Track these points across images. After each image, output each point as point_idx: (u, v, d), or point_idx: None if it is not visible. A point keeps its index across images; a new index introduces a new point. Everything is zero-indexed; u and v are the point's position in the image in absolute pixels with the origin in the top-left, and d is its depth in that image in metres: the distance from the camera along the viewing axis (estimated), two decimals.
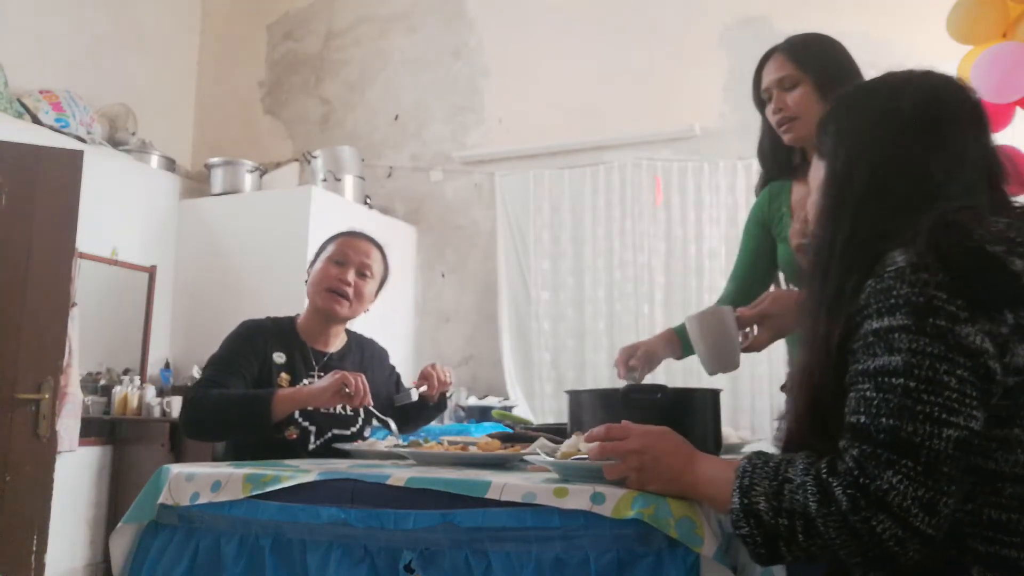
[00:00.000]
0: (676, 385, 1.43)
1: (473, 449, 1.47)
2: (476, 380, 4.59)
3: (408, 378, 2.32)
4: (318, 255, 2.07)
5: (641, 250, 4.28)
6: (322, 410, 1.91)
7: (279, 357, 1.95)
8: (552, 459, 1.18)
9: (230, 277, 4.34)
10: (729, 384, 3.76)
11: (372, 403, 1.80)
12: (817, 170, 1.09)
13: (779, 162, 1.85)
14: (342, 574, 1.12)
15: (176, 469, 1.33)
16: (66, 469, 3.50)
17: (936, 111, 1.00)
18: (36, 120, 3.94)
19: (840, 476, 0.87)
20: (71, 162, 3.36)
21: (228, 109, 5.40)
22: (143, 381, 4.26)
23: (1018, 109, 2.86)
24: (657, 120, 4.35)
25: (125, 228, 4.32)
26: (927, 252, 0.89)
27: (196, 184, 4.86)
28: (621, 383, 1.65)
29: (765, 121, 1.81)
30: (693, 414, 1.35)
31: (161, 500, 1.30)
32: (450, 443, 1.54)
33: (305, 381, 1.95)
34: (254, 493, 1.22)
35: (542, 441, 1.44)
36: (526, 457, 1.39)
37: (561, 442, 1.30)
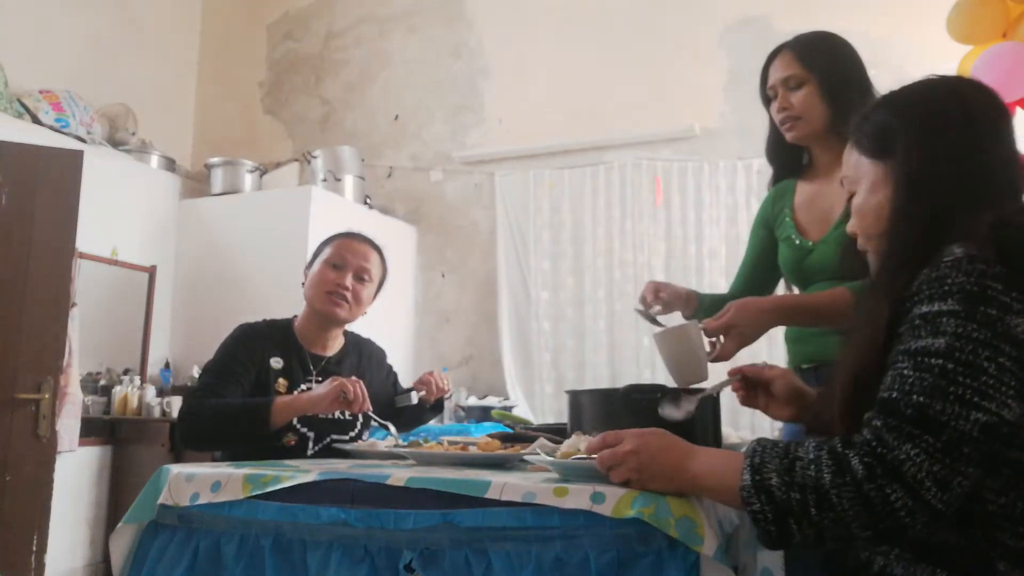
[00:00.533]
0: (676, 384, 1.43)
1: (473, 449, 1.47)
2: (476, 380, 4.59)
3: (406, 379, 2.32)
4: (315, 257, 2.05)
5: (641, 250, 4.28)
6: (320, 415, 1.89)
7: (276, 362, 1.93)
8: (552, 459, 1.18)
9: (230, 277, 4.34)
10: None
11: (372, 409, 1.80)
12: (859, 168, 1.10)
13: (786, 161, 1.85)
14: (342, 574, 1.12)
15: (176, 469, 1.33)
16: (66, 469, 3.50)
17: (995, 114, 1.05)
18: (36, 120, 3.94)
19: (856, 447, 0.88)
20: (71, 162, 3.36)
21: (228, 109, 5.40)
22: (143, 381, 4.26)
23: (1018, 109, 2.86)
24: (657, 120, 4.35)
25: (125, 228, 4.32)
26: (986, 246, 0.91)
27: (196, 184, 4.86)
28: (621, 383, 1.65)
29: (772, 119, 1.81)
30: None
31: (161, 500, 1.30)
32: (450, 443, 1.54)
33: (303, 386, 1.93)
34: (254, 493, 1.22)
35: (542, 441, 1.44)
36: (526, 457, 1.39)
37: (561, 442, 1.30)
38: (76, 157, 3.38)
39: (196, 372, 4.17)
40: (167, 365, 4.42)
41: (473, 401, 4.31)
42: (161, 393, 4.22)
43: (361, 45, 5.20)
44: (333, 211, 4.29)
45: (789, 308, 1.60)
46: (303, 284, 2.04)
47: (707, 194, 4.21)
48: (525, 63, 4.73)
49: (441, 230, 4.84)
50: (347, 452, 1.76)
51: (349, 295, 1.97)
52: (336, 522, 1.14)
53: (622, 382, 1.72)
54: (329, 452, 1.89)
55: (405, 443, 1.68)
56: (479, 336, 4.65)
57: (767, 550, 1.36)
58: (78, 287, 3.63)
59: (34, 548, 3.11)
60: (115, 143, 4.45)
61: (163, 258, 4.51)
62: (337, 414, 1.94)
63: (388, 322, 4.01)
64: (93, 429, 3.96)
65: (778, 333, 1.80)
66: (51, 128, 3.96)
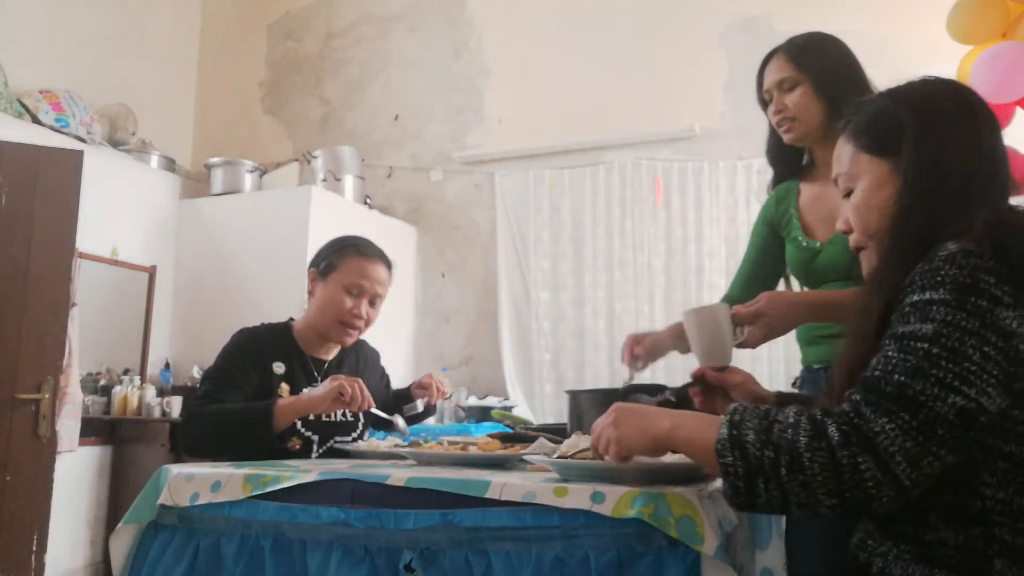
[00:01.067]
0: (676, 383, 1.43)
1: (473, 449, 1.47)
2: (476, 380, 4.59)
3: (406, 379, 2.32)
4: (326, 263, 1.98)
5: (641, 250, 4.28)
6: (323, 419, 1.88)
7: (279, 367, 1.92)
8: (552, 459, 1.18)
9: (230, 277, 4.34)
10: None
11: (374, 405, 1.79)
12: (858, 165, 1.10)
13: (787, 162, 1.86)
14: (342, 574, 1.12)
15: (176, 469, 1.33)
16: (66, 469, 3.50)
17: (992, 115, 1.08)
18: (36, 120, 3.94)
19: (835, 416, 0.90)
20: (71, 162, 3.36)
21: (228, 109, 5.40)
22: (143, 381, 4.25)
23: (1018, 109, 2.86)
24: (657, 120, 4.35)
25: (125, 228, 4.32)
26: (982, 241, 0.92)
27: (196, 184, 4.86)
28: (621, 383, 1.65)
29: (770, 122, 1.82)
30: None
31: (161, 500, 1.30)
32: (450, 443, 1.55)
33: (306, 391, 1.91)
34: (254, 493, 1.22)
35: (542, 441, 1.44)
36: (526, 457, 1.39)
37: (561, 442, 1.30)
38: (76, 157, 3.38)
39: (196, 372, 4.17)
40: (167, 365, 4.42)
41: (473, 401, 4.31)
42: (161, 393, 4.22)
43: (361, 45, 5.20)
44: (333, 211, 4.29)
45: (818, 304, 1.60)
46: (308, 290, 2.01)
47: (707, 194, 4.21)
48: (525, 63, 4.73)
49: (441, 230, 4.84)
50: (347, 452, 1.75)
51: (363, 323, 1.97)
52: (336, 522, 1.14)
53: (622, 381, 1.72)
54: (332, 454, 1.88)
55: (405, 443, 1.68)
56: (479, 336, 4.65)
57: (766, 550, 1.36)
58: (78, 287, 3.63)
59: (34, 548, 3.11)
60: (115, 143, 4.44)
61: (163, 258, 4.51)
62: (340, 416, 1.93)
63: (388, 322, 3.99)
64: (93, 429, 3.96)
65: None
66: (51, 128, 3.96)
